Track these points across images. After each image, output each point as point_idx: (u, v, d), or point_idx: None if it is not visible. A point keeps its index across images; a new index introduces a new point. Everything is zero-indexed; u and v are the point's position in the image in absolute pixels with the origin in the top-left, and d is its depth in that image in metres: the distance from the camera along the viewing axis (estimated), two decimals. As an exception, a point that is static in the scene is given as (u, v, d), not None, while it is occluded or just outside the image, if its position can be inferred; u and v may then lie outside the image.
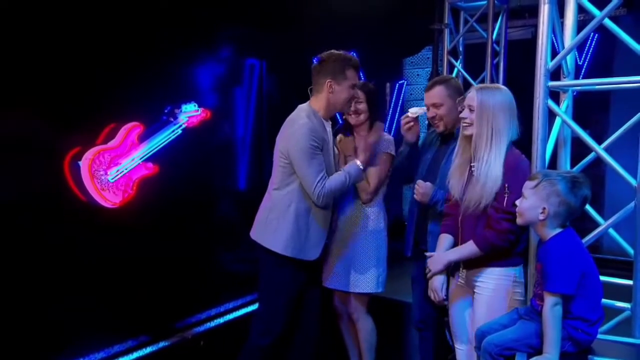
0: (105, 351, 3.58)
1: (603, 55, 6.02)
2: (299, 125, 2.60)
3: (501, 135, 2.28)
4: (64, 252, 3.27)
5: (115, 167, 3.57)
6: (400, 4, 5.32)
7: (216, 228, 4.40)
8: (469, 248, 2.35)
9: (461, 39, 4.91)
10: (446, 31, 4.86)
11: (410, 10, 5.39)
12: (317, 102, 2.71)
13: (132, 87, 3.58)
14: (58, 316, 3.19)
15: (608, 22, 2.41)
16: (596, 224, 2.59)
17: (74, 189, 3.37)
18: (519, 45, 5.60)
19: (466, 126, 2.35)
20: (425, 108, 2.83)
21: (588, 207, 2.56)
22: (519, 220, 2.18)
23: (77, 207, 3.35)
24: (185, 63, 4.12)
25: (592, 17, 2.37)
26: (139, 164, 3.73)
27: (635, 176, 2.35)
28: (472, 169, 2.35)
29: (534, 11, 2.63)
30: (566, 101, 2.62)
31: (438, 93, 2.75)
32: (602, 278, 2.19)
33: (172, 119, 3.96)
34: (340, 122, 3.12)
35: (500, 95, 2.32)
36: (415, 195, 2.78)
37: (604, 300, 2.22)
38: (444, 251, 2.49)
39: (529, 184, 2.14)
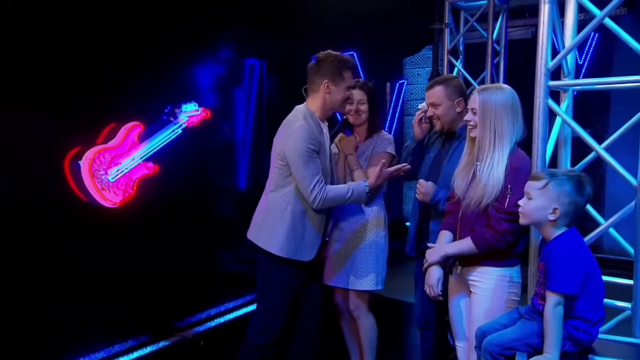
0: (105, 351, 3.58)
1: (603, 54, 6.02)
2: (296, 128, 2.60)
3: (504, 137, 2.29)
4: (64, 252, 3.27)
5: (116, 167, 3.57)
6: (400, 4, 5.32)
7: (216, 227, 4.40)
8: (467, 244, 2.36)
9: (461, 38, 4.91)
10: (446, 31, 4.86)
11: (410, 10, 5.39)
12: (314, 103, 2.71)
13: (133, 87, 3.58)
14: (58, 316, 3.19)
15: (608, 22, 2.40)
16: (596, 224, 2.59)
17: (74, 188, 3.37)
18: (519, 44, 5.61)
19: (471, 128, 2.38)
20: None
21: (588, 206, 2.56)
22: (523, 221, 2.17)
23: (77, 207, 3.35)
24: (186, 63, 4.12)
25: (593, 16, 2.37)
26: (139, 163, 3.72)
27: (635, 176, 2.35)
28: (476, 169, 2.36)
29: (534, 11, 2.63)
30: (566, 101, 2.62)
31: (436, 93, 2.78)
32: (603, 278, 2.19)
33: (172, 119, 3.96)
34: (340, 120, 3.12)
35: (503, 96, 2.32)
36: (417, 195, 2.79)
37: (604, 300, 2.22)
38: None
39: (534, 184, 2.13)
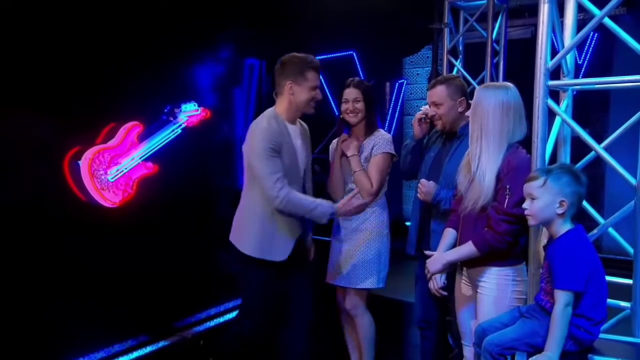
0: (105, 350, 3.58)
1: (603, 54, 6.01)
2: (257, 130, 2.64)
3: (493, 135, 2.29)
4: (64, 252, 3.27)
5: (115, 167, 3.57)
6: (400, 4, 5.32)
7: (216, 227, 4.39)
8: (468, 249, 2.36)
9: (461, 38, 4.91)
10: (446, 30, 4.86)
11: (410, 10, 5.39)
12: (280, 105, 2.74)
13: (132, 87, 3.58)
14: (58, 315, 3.19)
15: (608, 21, 2.40)
16: (596, 223, 2.58)
17: (74, 188, 3.37)
18: (518, 44, 5.61)
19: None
20: None
21: (588, 206, 2.56)
22: (532, 223, 2.17)
23: (76, 206, 3.35)
24: (185, 63, 4.12)
25: (592, 16, 2.36)
26: (139, 163, 3.73)
27: (635, 175, 2.35)
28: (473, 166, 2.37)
29: (534, 10, 2.63)
30: (566, 100, 2.62)
31: (438, 93, 2.78)
32: (602, 277, 2.19)
33: (171, 119, 3.96)
34: (337, 115, 3.12)
35: (500, 94, 2.32)
36: (418, 194, 2.79)
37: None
38: (447, 245, 2.50)
39: (533, 184, 2.13)
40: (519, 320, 2.23)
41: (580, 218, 2.22)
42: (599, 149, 2.43)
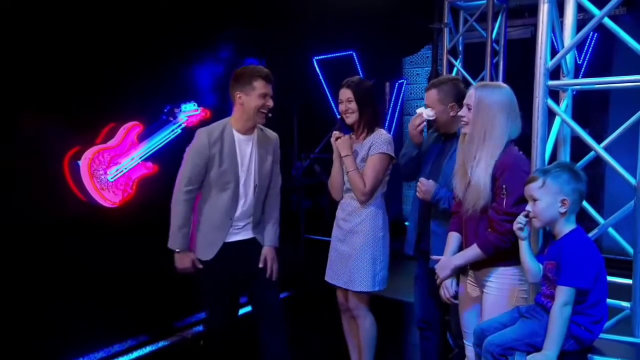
0: (105, 350, 3.58)
1: (602, 54, 6.02)
2: (196, 135, 2.79)
3: (496, 135, 2.29)
4: (64, 252, 3.27)
5: (115, 167, 3.57)
6: (399, 3, 5.32)
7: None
8: (473, 251, 2.35)
9: (461, 38, 4.91)
10: (446, 30, 4.85)
11: (409, 10, 5.40)
12: (234, 115, 2.83)
13: (132, 87, 3.58)
14: (58, 315, 3.19)
15: (607, 21, 2.40)
16: (596, 223, 2.58)
17: (74, 188, 3.37)
18: (518, 44, 5.61)
19: (464, 125, 2.37)
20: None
21: (588, 206, 2.56)
22: (537, 224, 2.16)
23: (76, 206, 3.35)
24: (185, 63, 4.12)
25: (592, 16, 2.36)
26: (139, 163, 3.73)
27: (634, 175, 2.35)
28: (468, 168, 2.35)
29: (534, 10, 2.63)
30: (566, 100, 2.62)
31: (430, 96, 2.80)
32: (602, 277, 2.19)
33: (171, 119, 3.96)
34: (338, 120, 3.10)
35: (499, 94, 2.32)
36: (417, 193, 2.78)
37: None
38: (452, 250, 2.50)
39: (533, 186, 2.13)
40: (519, 321, 2.23)
41: (580, 218, 2.22)
42: (599, 149, 2.43)
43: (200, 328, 4.16)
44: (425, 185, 2.73)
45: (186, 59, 4.11)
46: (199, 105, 4.08)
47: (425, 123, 2.84)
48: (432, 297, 2.82)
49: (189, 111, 4.03)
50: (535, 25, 2.44)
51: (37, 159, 3.18)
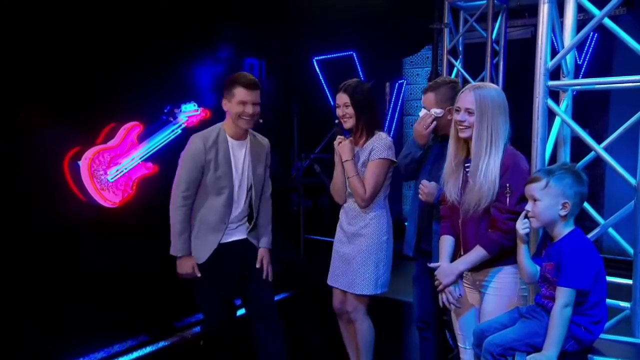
0: (105, 350, 3.58)
1: (602, 54, 6.02)
2: (190, 141, 2.82)
3: (500, 136, 2.28)
4: (64, 252, 3.27)
5: (115, 167, 3.57)
6: (399, 4, 5.32)
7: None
8: (477, 253, 2.33)
9: (461, 38, 4.91)
10: (446, 31, 4.85)
11: (409, 10, 5.39)
12: (226, 121, 2.88)
13: (132, 87, 3.59)
14: (58, 315, 3.20)
15: (607, 22, 2.40)
16: (596, 223, 2.58)
17: (74, 188, 3.37)
18: (518, 44, 5.60)
19: (463, 129, 2.32)
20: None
21: (587, 206, 2.56)
22: (535, 224, 2.15)
23: (76, 206, 3.35)
24: (185, 63, 4.12)
25: (592, 16, 2.37)
26: (139, 163, 3.73)
27: (634, 175, 2.35)
28: (467, 170, 2.34)
29: (534, 10, 2.63)
30: (566, 100, 2.62)
31: (427, 99, 2.81)
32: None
33: (171, 119, 3.96)
34: (335, 119, 3.09)
35: (498, 94, 2.32)
36: (420, 196, 2.76)
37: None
38: (448, 253, 2.46)
39: (535, 186, 2.12)
40: (520, 321, 2.23)
41: (580, 218, 2.22)
42: (599, 149, 2.43)
43: (199, 328, 4.16)
44: (428, 187, 2.72)
45: (186, 59, 4.11)
46: (199, 106, 4.08)
47: (435, 122, 2.82)
48: (431, 297, 2.82)
49: (189, 111, 4.03)
50: (535, 26, 2.44)
51: (38, 159, 3.18)
